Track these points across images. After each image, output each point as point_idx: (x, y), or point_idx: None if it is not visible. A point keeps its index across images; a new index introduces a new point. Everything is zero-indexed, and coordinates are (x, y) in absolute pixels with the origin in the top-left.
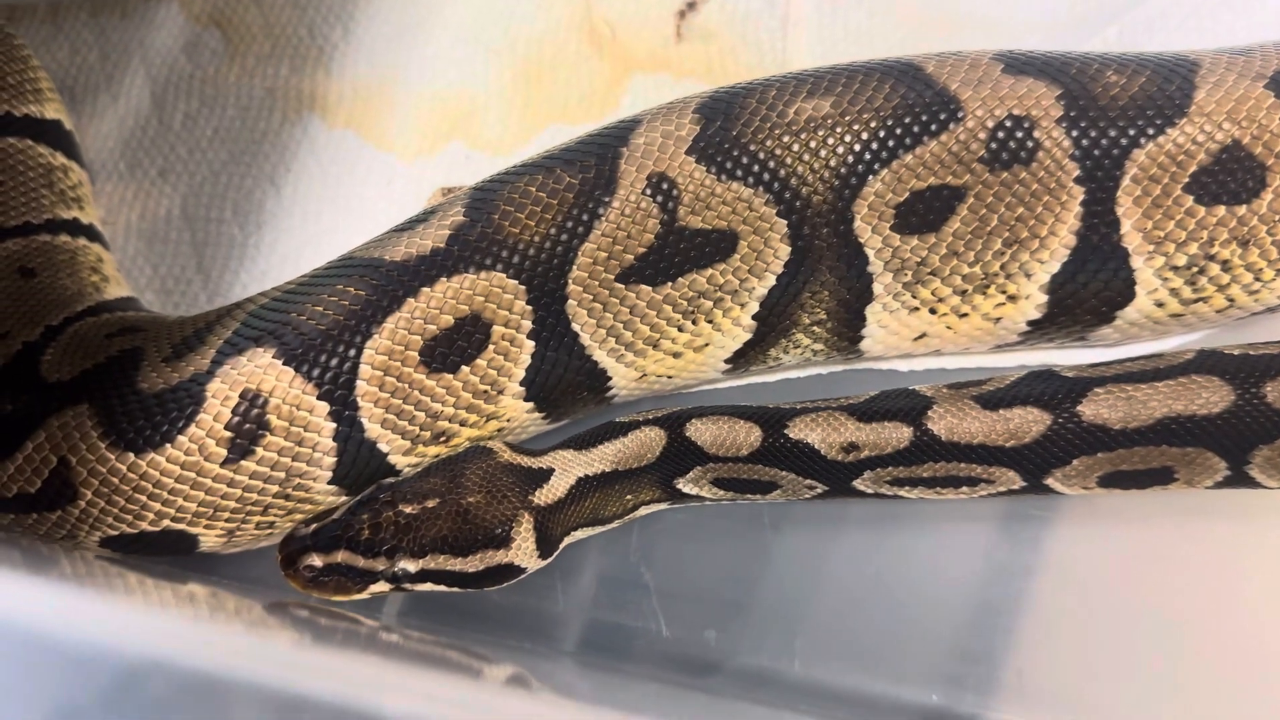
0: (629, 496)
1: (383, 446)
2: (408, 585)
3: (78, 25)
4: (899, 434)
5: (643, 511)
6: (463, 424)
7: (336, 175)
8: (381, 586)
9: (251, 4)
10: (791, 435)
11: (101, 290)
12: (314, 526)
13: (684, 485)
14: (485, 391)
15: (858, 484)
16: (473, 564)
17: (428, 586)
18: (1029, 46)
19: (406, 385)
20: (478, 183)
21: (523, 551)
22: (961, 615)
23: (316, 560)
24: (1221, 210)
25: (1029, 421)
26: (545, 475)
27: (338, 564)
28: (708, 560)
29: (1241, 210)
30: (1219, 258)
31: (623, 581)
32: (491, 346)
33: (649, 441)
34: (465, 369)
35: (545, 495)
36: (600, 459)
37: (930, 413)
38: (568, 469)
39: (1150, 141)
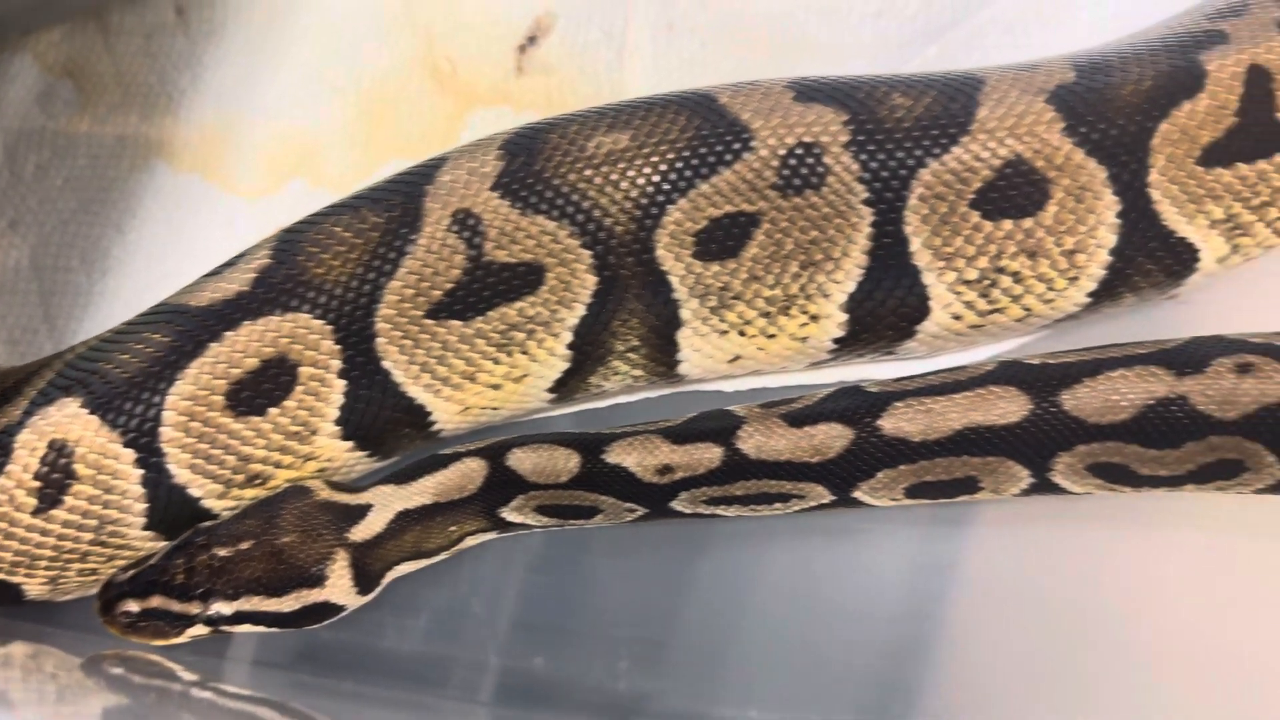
0: (453, 528)
1: (194, 491)
2: (225, 628)
3: None
4: (710, 454)
5: (469, 543)
6: (278, 465)
7: (181, 219)
8: (199, 629)
9: (104, 54)
10: (609, 460)
11: None
12: (131, 573)
13: (508, 514)
14: (297, 433)
15: (675, 505)
16: (288, 604)
17: (246, 628)
18: (856, 70)
19: (213, 430)
20: (288, 225)
21: (339, 589)
22: (884, 634)
23: (132, 606)
24: (1008, 224)
25: (832, 437)
26: (362, 511)
27: (153, 609)
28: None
29: (1027, 223)
30: (1009, 270)
31: (456, 613)
32: (300, 388)
33: (470, 473)
34: (273, 411)
35: (362, 531)
36: (420, 492)
37: (740, 432)
38: (386, 504)
39: (935, 161)
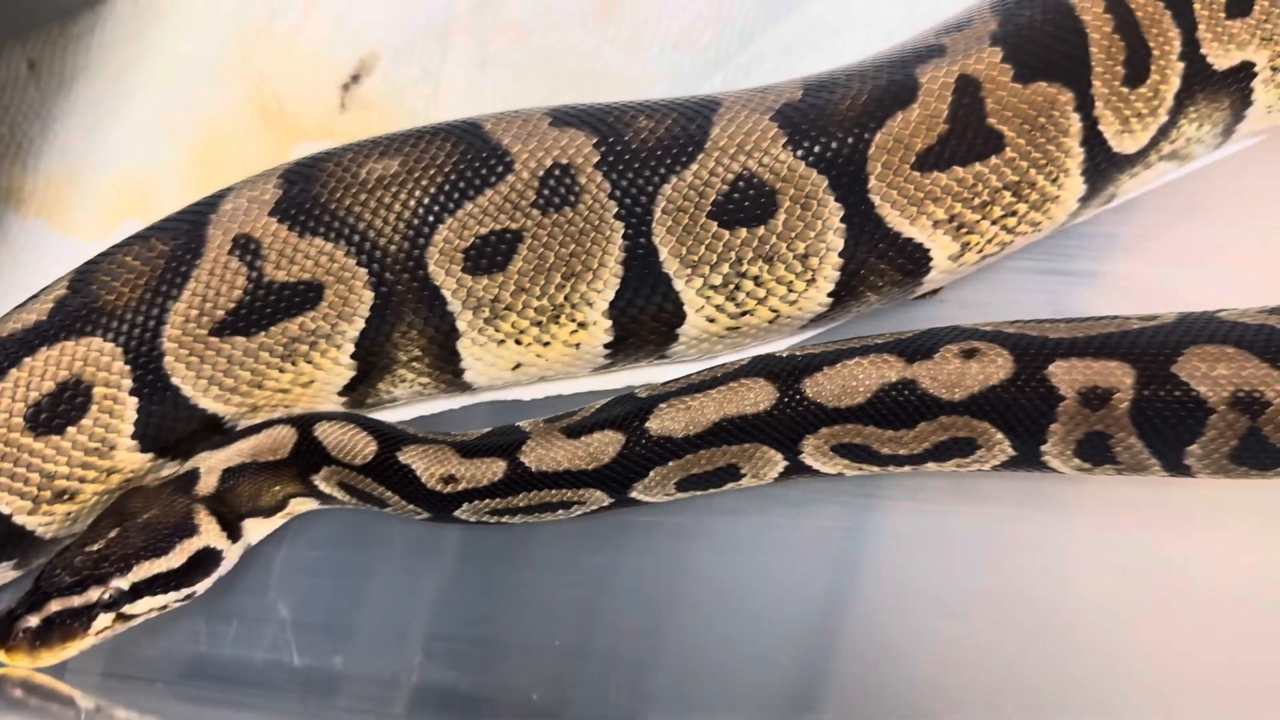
0: (276, 488)
1: (3, 509)
2: (127, 609)
3: None
4: (494, 468)
5: (296, 506)
6: (82, 480)
7: (25, 261)
8: (105, 620)
9: None
10: (400, 459)
11: None
12: (9, 607)
13: (319, 483)
14: (97, 449)
15: (459, 514)
16: (176, 558)
17: (144, 604)
18: (655, 96)
19: (15, 450)
20: (88, 259)
21: (212, 534)
22: (803, 625)
23: (31, 620)
24: (744, 232)
25: (605, 443)
26: (194, 474)
27: (54, 614)
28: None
29: (761, 230)
30: (750, 274)
31: (368, 626)
32: (95, 407)
33: (281, 437)
34: (72, 430)
35: (203, 487)
36: (237, 453)
37: (524, 447)
38: (210, 465)
39: (675, 177)
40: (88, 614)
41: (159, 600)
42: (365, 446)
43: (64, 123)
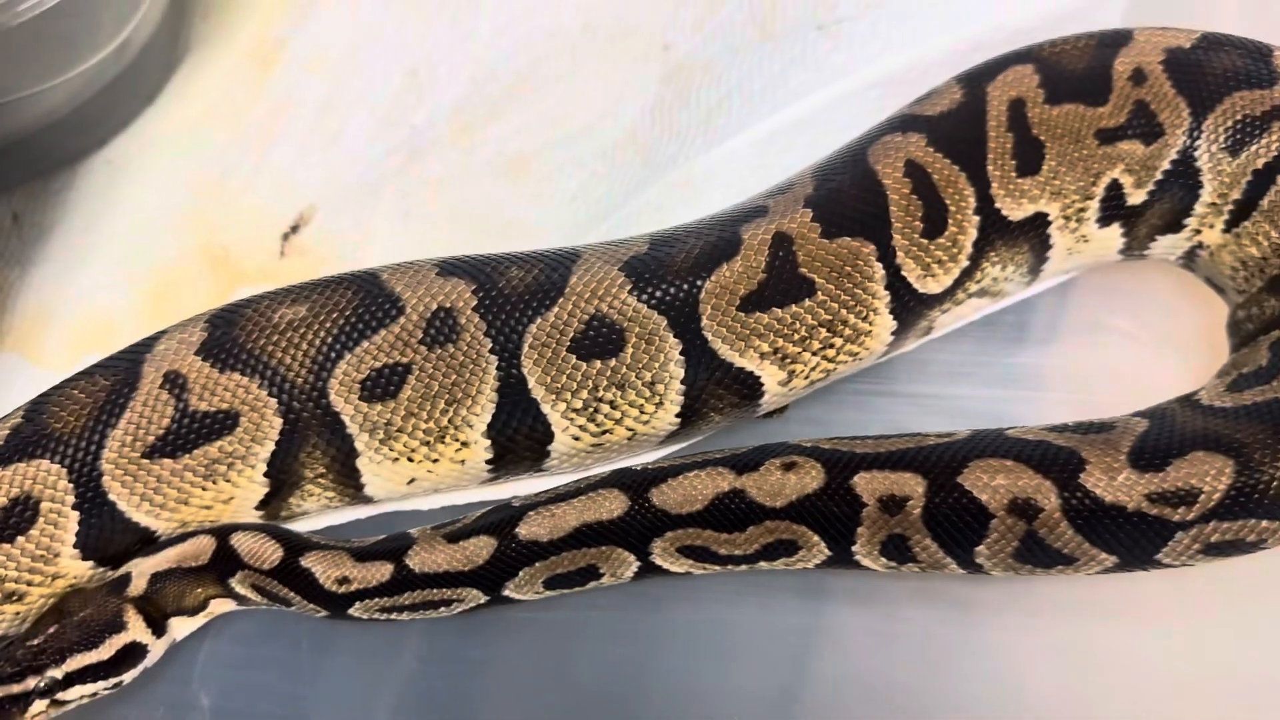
0: (199, 590)
1: None
2: (60, 695)
3: None
4: (383, 571)
5: (217, 607)
6: (30, 584)
7: (1, 391)
8: (39, 706)
9: None
10: (302, 563)
11: None
12: None
13: (236, 585)
14: (43, 555)
15: (352, 611)
16: (105, 651)
17: (76, 692)
18: (554, 241)
19: None
20: (42, 391)
21: (139, 630)
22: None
23: None
24: (598, 364)
25: (480, 547)
26: (127, 578)
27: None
28: None
29: (613, 362)
30: (605, 399)
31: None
32: (41, 519)
33: (202, 545)
34: (21, 539)
35: (134, 589)
36: (164, 559)
37: (410, 551)
38: (141, 569)
39: (540, 317)
40: (25, 700)
41: (90, 688)
42: (273, 553)
43: (40, 268)
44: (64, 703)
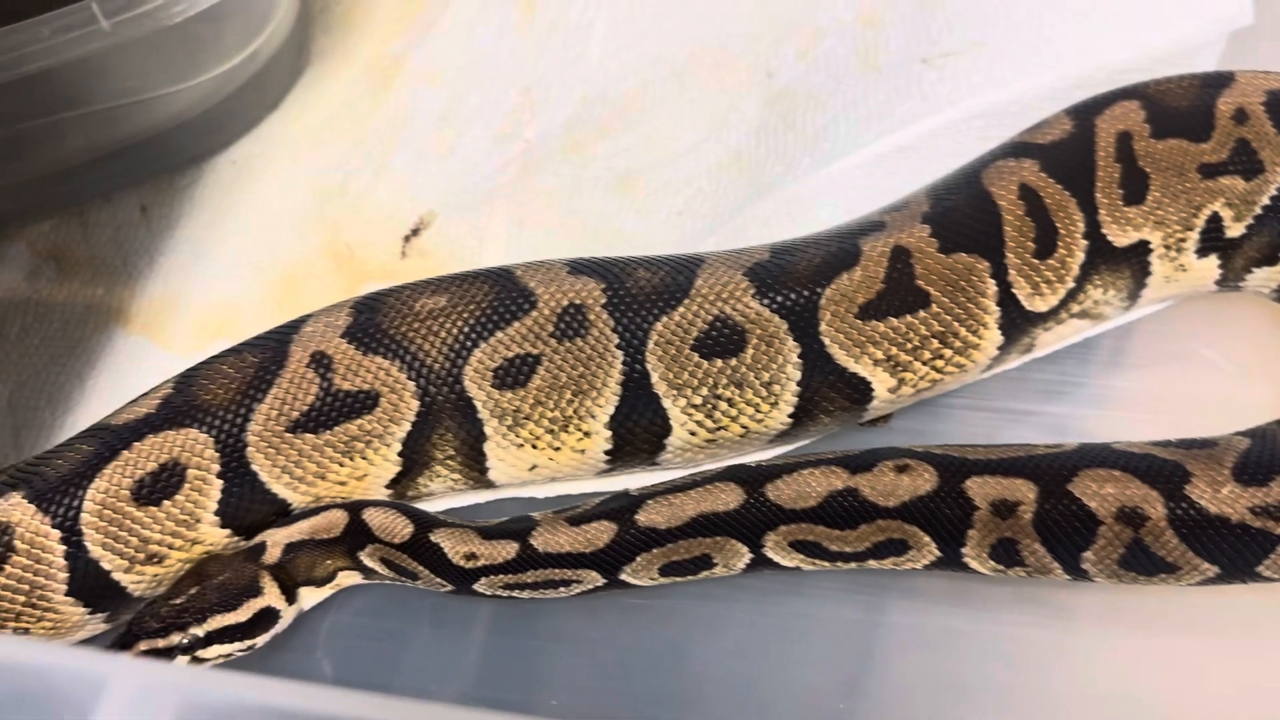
0: (329, 561)
1: (105, 565)
2: (200, 653)
3: None
4: (508, 549)
5: (344, 579)
6: (170, 547)
7: (128, 370)
8: (181, 661)
9: (82, 241)
10: (431, 538)
11: None
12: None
13: (365, 559)
14: (185, 520)
15: (477, 587)
16: (243, 613)
17: (214, 651)
18: (657, 252)
19: (120, 517)
20: (191, 365)
21: (274, 596)
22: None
23: (125, 656)
24: (719, 362)
25: (601, 531)
26: (262, 546)
27: (141, 652)
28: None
29: (733, 361)
30: (724, 397)
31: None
32: (187, 485)
33: (335, 519)
34: (167, 503)
35: (269, 557)
36: (298, 531)
37: (534, 532)
38: (276, 540)
39: (665, 316)
40: (168, 655)
41: (226, 648)
42: (404, 528)
43: (168, 258)
44: (202, 660)
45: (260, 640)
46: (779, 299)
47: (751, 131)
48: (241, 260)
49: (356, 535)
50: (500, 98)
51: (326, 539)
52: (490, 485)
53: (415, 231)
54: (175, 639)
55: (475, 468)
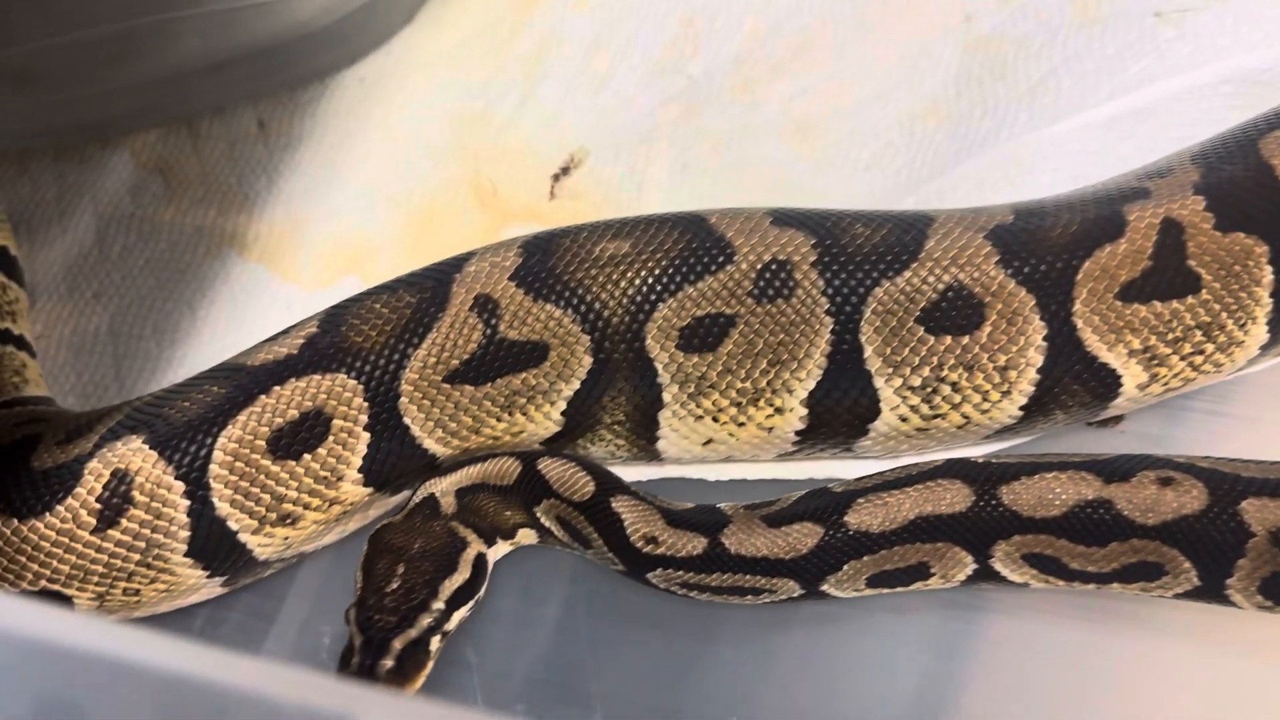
0: (507, 513)
1: (232, 524)
2: (446, 626)
3: (41, 168)
4: (695, 543)
5: (523, 537)
6: (306, 507)
7: (245, 302)
8: (435, 642)
9: (192, 155)
10: (613, 505)
11: (20, 389)
12: (354, 660)
13: (540, 515)
14: (325, 478)
15: (650, 577)
16: (464, 569)
17: (454, 619)
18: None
19: (254, 470)
20: (336, 303)
21: (477, 542)
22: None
23: (387, 663)
24: (948, 339)
25: (805, 535)
26: (433, 499)
27: (401, 650)
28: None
29: (965, 339)
30: (949, 380)
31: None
32: (331, 437)
33: (507, 467)
34: (307, 456)
35: (447, 508)
36: (467, 476)
37: (726, 529)
38: (444, 489)
39: (888, 281)
40: (425, 641)
41: (461, 613)
42: (585, 485)
43: (288, 179)
44: (447, 633)
45: (481, 593)
46: (1027, 269)
47: (949, 80)
48: (371, 189)
49: (532, 486)
50: (659, 26)
51: (501, 486)
52: (655, 458)
53: (565, 170)
54: (424, 621)
55: (644, 436)
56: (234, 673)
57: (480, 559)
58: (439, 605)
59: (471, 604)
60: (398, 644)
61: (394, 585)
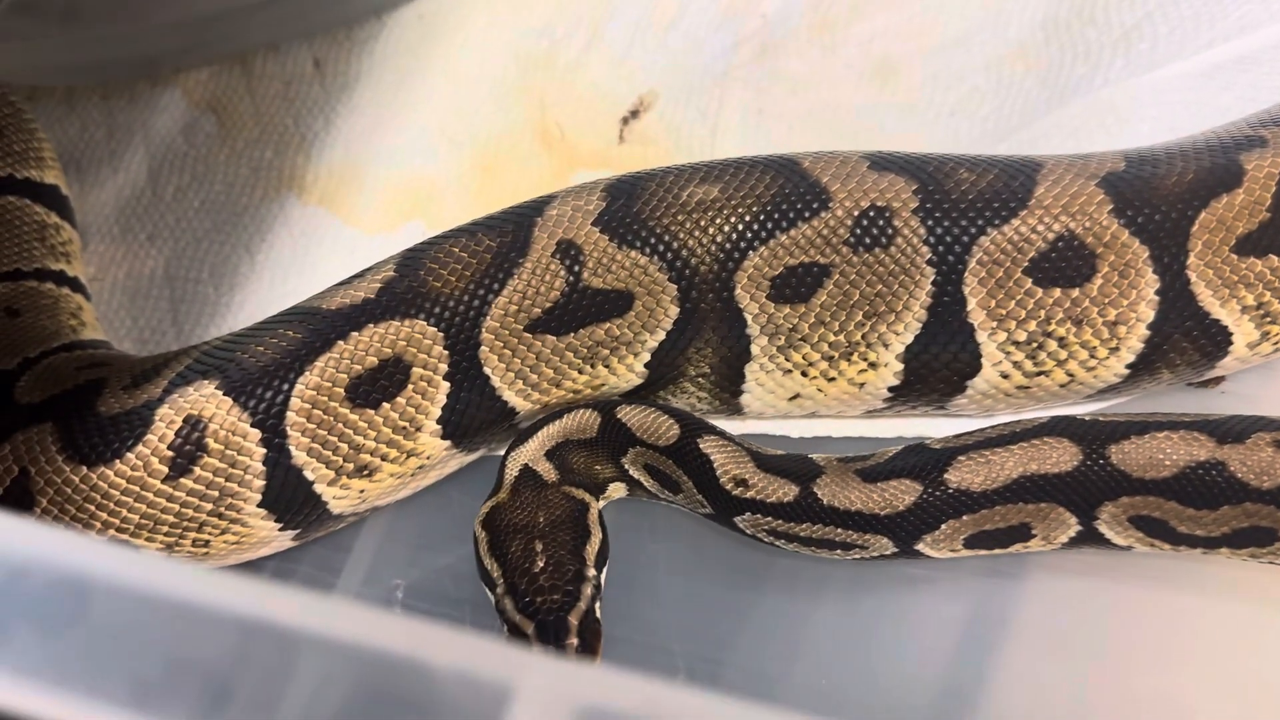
0: (597, 467)
1: (308, 474)
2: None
3: (89, 106)
4: (786, 490)
5: (613, 491)
6: (384, 458)
7: (305, 246)
8: (598, 610)
9: (246, 94)
10: (701, 446)
11: (78, 332)
12: (535, 649)
13: (628, 466)
14: (404, 428)
15: (738, 521)
16: (596, 532)
17: (602, 580)
18: None
19: (332, 418)
20: (411, 246)
21: (591, 500)
22: (932, 684)
23: (572, 641)
24: (1057, 292)
25: (902, 491)
26: (530, 471)
27: (579, 625)
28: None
29: (1075, 293)
30: (1056, 335)
31: None
32: (410, 386)
33: (585, 419)
34: (386, 405)
35: (548, 475)
36: (548, 436)
37: (819, 479)
38: (534, 457)
39: (995, 230)
40: (593, 610)
41: (603, 574)
42: (669, 429)
43: (347, 120)
44: (599, 598)
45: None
46: (1141, 219)
47: (1038, 24)
48: (433, 131)
49: (616, 436)
50: None
51: (584, 439)
52: (737, 412)
53: (634, 114)
54: (587, 591)
55: (728, 389)
56: (384, 634)
57: (601, 517)
58: (592, 572)
59: (606, 563)
60: (573, 620)
61: (540, 564)
